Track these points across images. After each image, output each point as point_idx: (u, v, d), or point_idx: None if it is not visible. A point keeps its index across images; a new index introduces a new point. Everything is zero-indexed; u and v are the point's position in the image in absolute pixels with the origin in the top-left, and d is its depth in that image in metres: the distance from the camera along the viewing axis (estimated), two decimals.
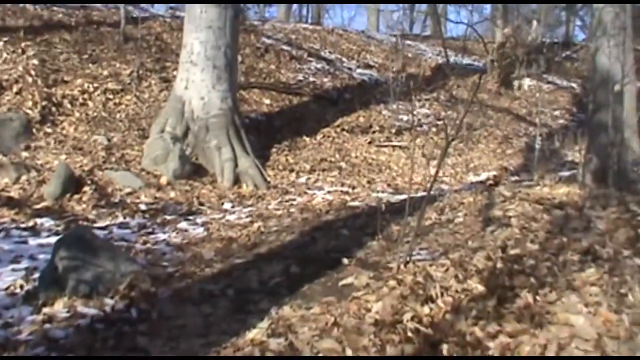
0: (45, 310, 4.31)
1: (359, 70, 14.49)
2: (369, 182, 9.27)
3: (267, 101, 11.58)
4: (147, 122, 9.75)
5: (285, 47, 14.01)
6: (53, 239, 5.98)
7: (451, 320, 3.65)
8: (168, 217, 6.97)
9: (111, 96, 10.28)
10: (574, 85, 18.56)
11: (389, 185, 9.17)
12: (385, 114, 12.43)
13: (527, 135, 13.44)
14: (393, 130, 11.68)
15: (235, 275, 4.97)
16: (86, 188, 7.51)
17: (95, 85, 10.38)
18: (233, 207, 7.59)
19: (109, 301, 4.42)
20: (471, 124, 12.88)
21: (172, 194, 7.85)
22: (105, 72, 10.84)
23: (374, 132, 11.51)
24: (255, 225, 6.42)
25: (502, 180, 8.16)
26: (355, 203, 7.59)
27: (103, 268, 4.65)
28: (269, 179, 8.94)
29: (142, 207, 7.32)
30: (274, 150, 9.95)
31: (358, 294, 4.16)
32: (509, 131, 13.43)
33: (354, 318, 3.81)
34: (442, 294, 3.94)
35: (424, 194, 8.33)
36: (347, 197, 8.07)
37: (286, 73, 13.02)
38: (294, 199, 7.99)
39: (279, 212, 7.18)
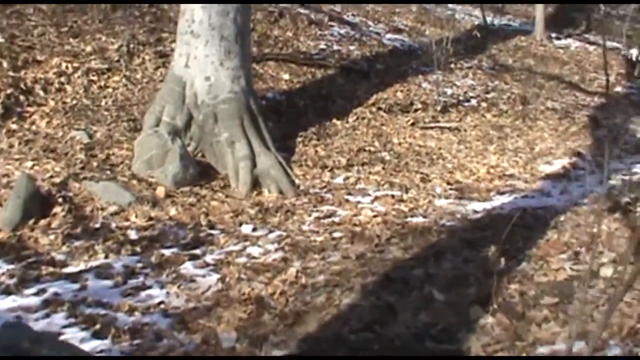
0: None
1: (388, 36, 12.37)
2: (422, 180, 7.27)
3: (286, 76, 9.53)
4: (140, 109, 7.75)
5: (302, 11, 11.84)
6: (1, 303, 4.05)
7: None
8: (167, 253, 4.99)
9: (95, 78, 8.26)
10: (617, 45, 16.38)
11: (448, 184, 7.18)
12: (426, 87, 10.37)
13: (586, 107, 11.36)
14: (438, 108, 9.66)
15: None
16: (57, 209, 5.55)
17: (76, 64, 8.36)
18: (254, 229, 5.60)
19: None
20: (525, 96, 10.82)
21: (173, 211, 5.86)
22: (89, 48, 8.81)
23: (416, 110, 9.50)
24: (292, 270, 4.45)
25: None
26: (419, 219, 5.62)
27: None
28: (296, 180, 6.90)
29: (132, 234, 5.35)
30: (299, 139, 7.92)
31: None
32: (566, 103, 11.33)
33: None
34: None
35: (504, 199, 6.31)
36: (404, 208, 6.11)
37: (306, 41, 10.93)
38: (334, 212, 6.03)
39: (318, 239, 5.21)
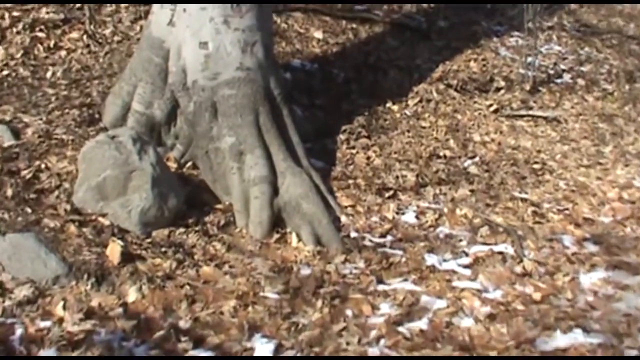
0: None
1: None
2: (535, 216, 4.70)
3: (319, 34, 6.78)
4: (103, 86, 5.03)
5: None
6: None
7: None
8: None
9: (43, 34, 5.60)
10: None
11: (576, 225, 4.56)
12: (505, 56, 7.59)
13: None
14: (527, 87, 6.86)
15: None
16: None
17: (17, 13, 5.67)
18: (279, 348, 2.89)
19: None
20: (631, 71, 8.04)
21: (133, 295, 3.31)
22: None
23: (497, 89, 6.77)
24: None
25: None
26: (581, 338, 3.09)
27: None
28: (342, 217, 4.23)
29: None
30: (341, 136, 5.25)
31: None
32: None
33: None
34: None
35: None
36: (534, 293, 3.60)
37: None
38: (415, 302, 3.45)
39: None
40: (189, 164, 4.58)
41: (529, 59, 7.15)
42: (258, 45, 4.58)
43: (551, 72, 7.57)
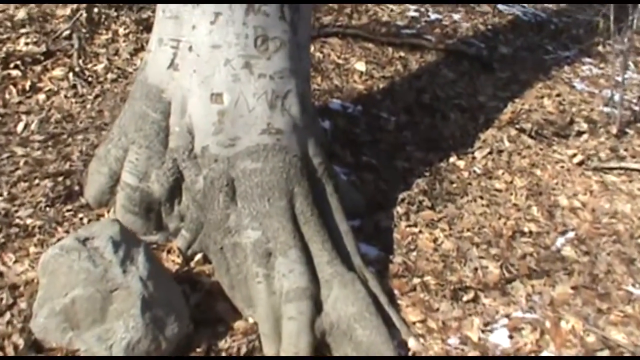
0: None
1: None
2: None
3: (361, 66, 5.59)
4: (92, 143, 3.82)
5: None
6: None
7: None
8: None
9: (18, 72, 4.47)
10: None
11: None
12: (582, 89, 6.33)
13: None
14: (613, 129, 5.57)
15: None
16: None
17: None
18: None
19: None
20: None
21: None
22: (21, 14, 4.90)
23: (579, 133, 5.47)
24: None
25: None
26: None
27: None
28: (411, 340, 2.95)
29: None
30: (398, 209, 4.10)
31: None
32: None
33: None
34: None
35: None
36: None
37: (387, 6, 6.83)
38: None
39: None
40: (199, 255, 3.31)
41: (614, 95, 5.86)
42: (292, 96, 3.34)
43: (636, 108, 6.28)
